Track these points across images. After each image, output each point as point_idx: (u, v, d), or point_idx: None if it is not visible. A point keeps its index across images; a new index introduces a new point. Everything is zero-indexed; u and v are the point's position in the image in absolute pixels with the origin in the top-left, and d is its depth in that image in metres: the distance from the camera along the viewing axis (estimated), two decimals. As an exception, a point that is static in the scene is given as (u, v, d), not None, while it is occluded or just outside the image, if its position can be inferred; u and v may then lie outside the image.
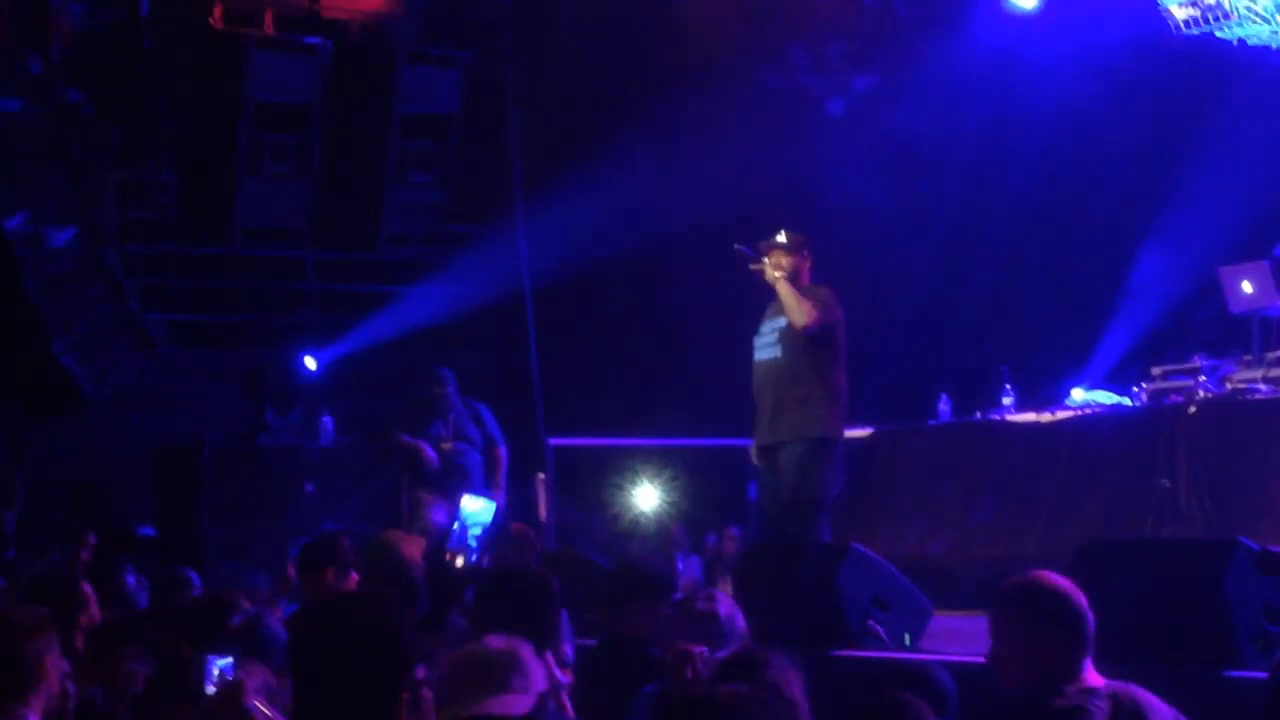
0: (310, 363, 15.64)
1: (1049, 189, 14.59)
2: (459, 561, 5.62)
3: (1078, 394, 11.31)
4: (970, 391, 12.41)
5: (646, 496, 15.97)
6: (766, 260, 9.94)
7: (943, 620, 8.93)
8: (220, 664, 4.53)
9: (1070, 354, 13.40)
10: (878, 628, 8.08)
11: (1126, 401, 10.82)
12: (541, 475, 13.83)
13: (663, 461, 15.85)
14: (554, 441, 13.75)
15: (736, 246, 10.18)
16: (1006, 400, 11.56)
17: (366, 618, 3.85)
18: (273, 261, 16.61)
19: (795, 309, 9.72)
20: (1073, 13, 14.26)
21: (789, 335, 9.85)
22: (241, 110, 15.68)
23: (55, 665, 5.09)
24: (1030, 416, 11.21)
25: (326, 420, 14.42)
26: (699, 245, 15.50)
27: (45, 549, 12.32)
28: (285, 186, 16.14)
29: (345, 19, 15.69)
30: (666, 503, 15.87)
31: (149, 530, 14.06)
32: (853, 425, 11.71)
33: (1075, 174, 14.43)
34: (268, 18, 15.47)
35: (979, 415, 11.89)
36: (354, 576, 7.40)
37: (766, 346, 10.11)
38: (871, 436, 12.21)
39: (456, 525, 6.32)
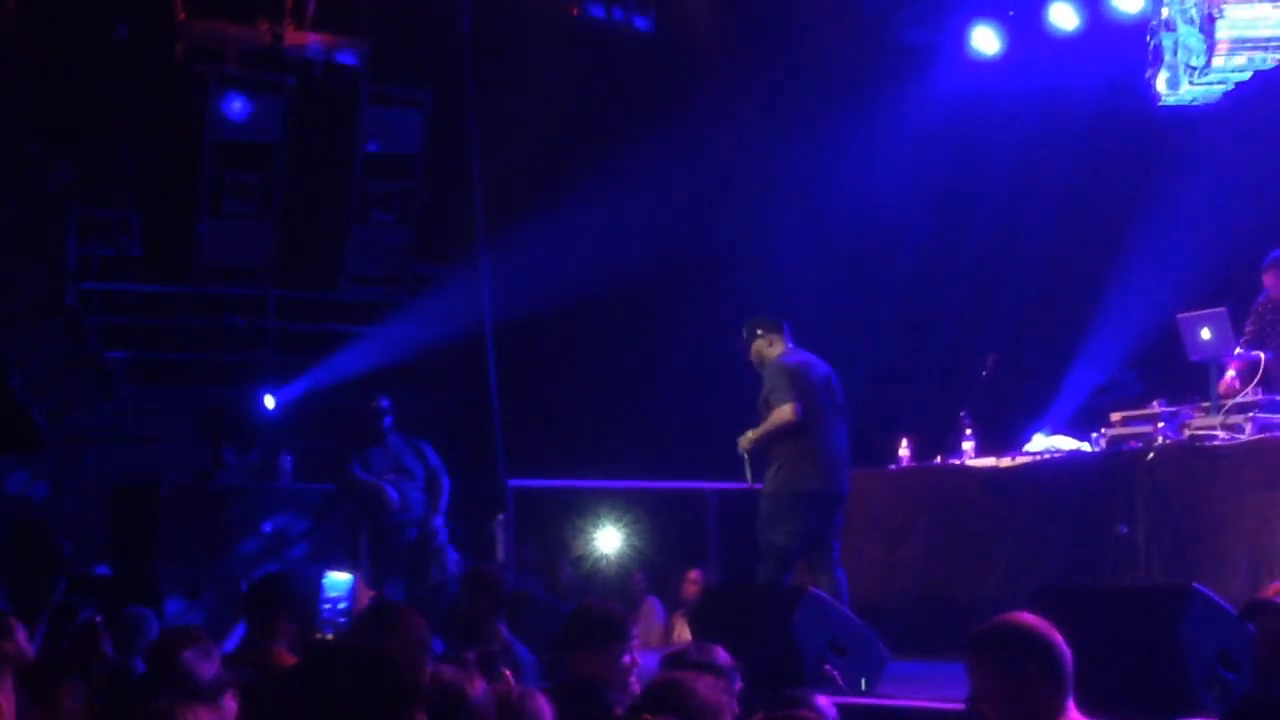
0: (269, 402, 15.56)
1: (1011, 236, 14.62)
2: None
3: (1039, 439, 11.30)
4: (931, 437, 12.40)
5: (608, 539, 15.91)
6: (740, 441, 10.57)
7: (901, 666, 8.92)
8: None
9: (1033, 400, 13.40)
10: (834, 672, 8.07)
11: (1086, 447, 10.81)
12: (501, 516, 13.77)
13: (625, 504, 15.80)
14: (514, 483, 13.68)
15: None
16: (967, 445, 11.55)
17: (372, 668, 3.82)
18: (233, 300, 16.56)
19: (775, 430, 10.29)
20: (1036, 59, 14.31)
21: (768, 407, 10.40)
22: (203, 147, 15.63)
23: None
24: (990, 461, 11.19)
25: (285, 460, 14.34)
26: (662, 286, 15.53)
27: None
28: (247, 225, 16.09)
29: (307, 58, 15.63)
30: (628, 545, 15.82)
31: (104, 569, 13.95)
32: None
33: (1038, 220, 14.44)
34: (230, 55, 15.43)
35: (939, 460, 11.87)
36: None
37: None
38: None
39: (325, 604, 6.27)
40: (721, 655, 6.10)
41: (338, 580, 5.89)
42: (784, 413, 10.24)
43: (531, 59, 15.82)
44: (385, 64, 16.01)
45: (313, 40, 15.61)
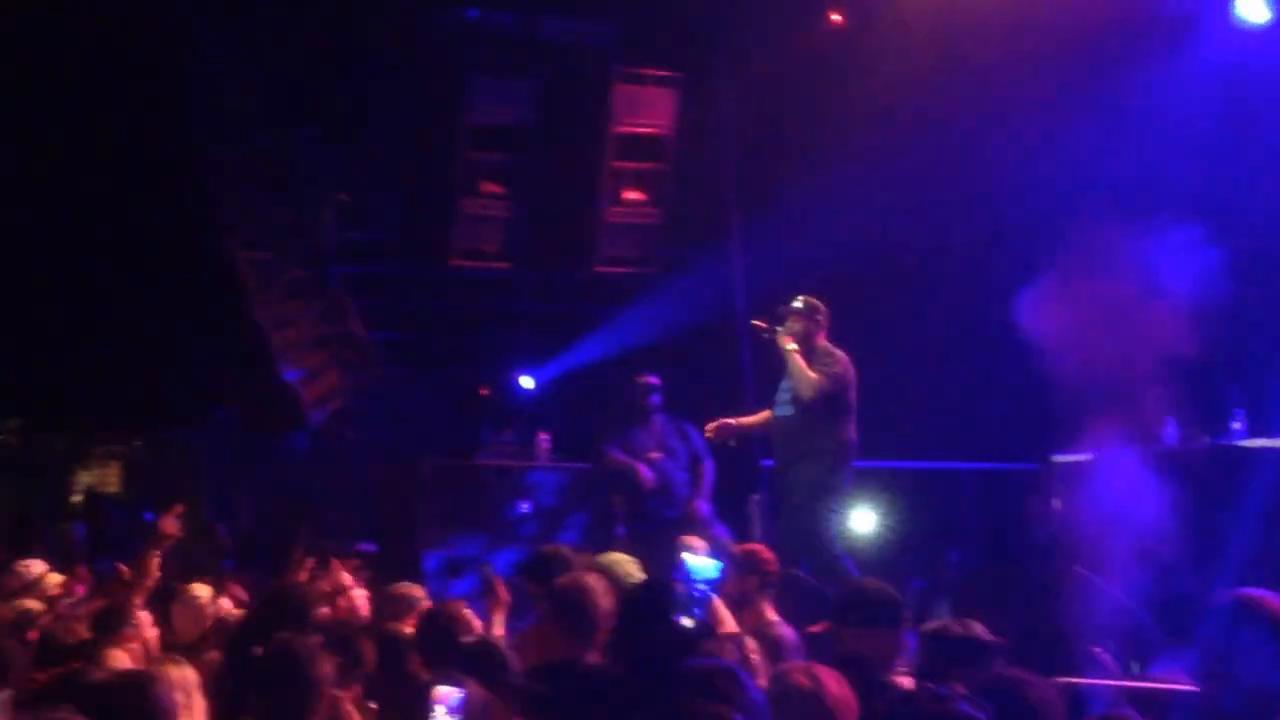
0: (526, 382, 15.74)
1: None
2: (688, 623, 5.50)
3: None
4: (1192, 416, 12.06)
5: (863, 519, 15.76)
6: (780, 330, 11.06)
7: (1172, 650, 8.68)
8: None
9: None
10: (1104, 655, 7.88)
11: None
12: (755, 496, 13.75)
13: (880, 484, 15.62)
14: (767, 463, 13.63)
15: (753, 322, 11.48)
16: (1236, 425, 11.21)
17: None
18: (488, 282, 16.73)
19: (802, 381, 10.90)
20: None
21: (799, 397, 10.98)
22: (458, 132, 15.81)
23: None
24: (1262, 442, 10.84)
25: (542, 439, 14.49)
26: (919, 266, 15.30)
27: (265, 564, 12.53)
28: (501, 207, 16.22)
29: (559, 41, 15.74)
30: (884, 526, 15.65)
31: (370, 546, 14.24)
32: (1070, 451, 11.54)
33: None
34: (485, 40, 15.58)
35: (1207, 440, 11.53)
36: None
37: (784, 404, 11.19)
38: (1093, 460, 11.91)
39: (680, 583, 6.23)
40: (979, 632, 6.03)
41: (702, 564, 5.87)
42: (827, 385, 10.96)
43: (784, 33, 15.66)
44: (637, 43, 16.02)
45: (565, 22, 15.70)
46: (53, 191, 15.94)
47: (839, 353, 11.10)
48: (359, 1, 15.32)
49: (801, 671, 5.01)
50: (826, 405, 10.95)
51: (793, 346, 10.97)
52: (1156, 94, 14.22)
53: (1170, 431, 11.84)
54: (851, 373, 11.09)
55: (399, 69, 15.72)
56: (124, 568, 7.69)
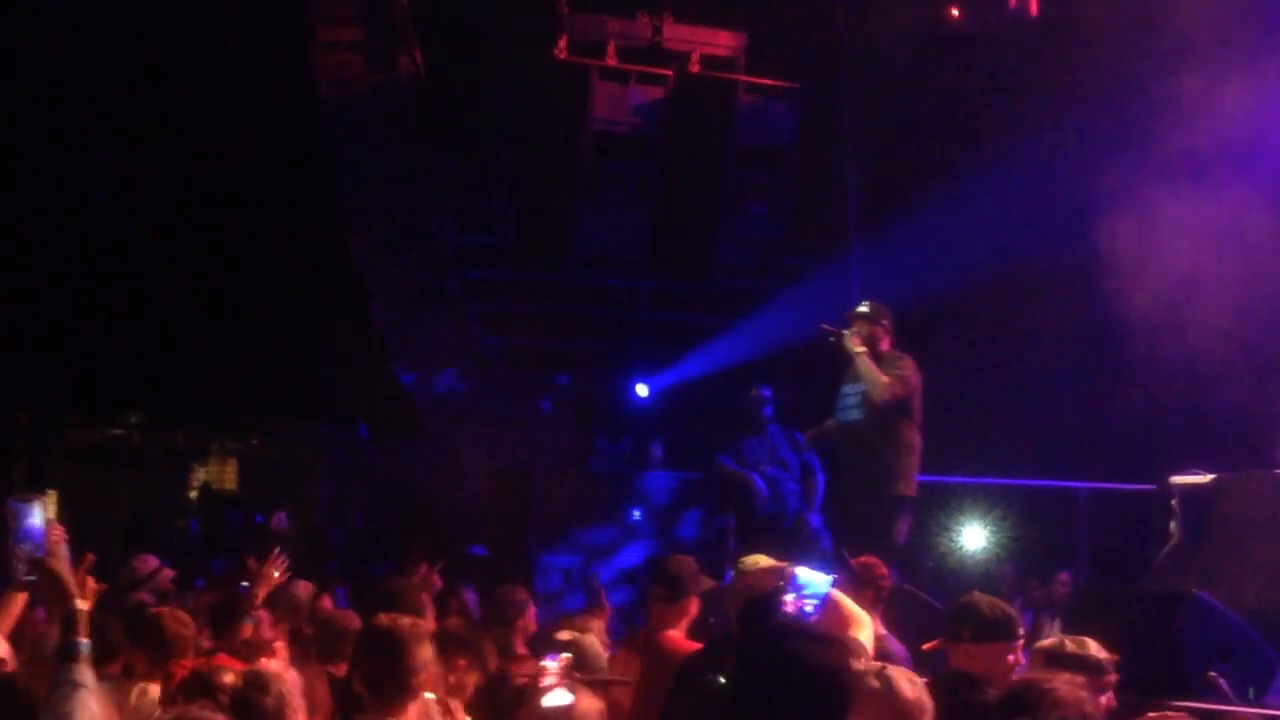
0: (642, 390, 15.79)
1: None
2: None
3: None
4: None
5: (973, 536, 15.67)
6: (847, 333, 10.99)
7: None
8: None
9: None
10: (1220, 680, 7.81)
11: None
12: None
13: (990, 501, 15.53)
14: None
15: (823, 326, 11.35)
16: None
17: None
18: (607, 289, 16.80)
19: (874, 383, 10.83)
20: None
21: (869, 400, 10.94)
22: (582, 139, 15.89)
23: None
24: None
25: (656, 447, 14.54)
26: (1039, 280, 15.17)
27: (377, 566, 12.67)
28: (622, 215, 16.28)
29: (686, 50, 15.79)
30: (993, 543, 15.55)
31: (481, 550, 14.36)
32: (1191, 471, 11.40)
33: None
34: (610, 49, 15.67)
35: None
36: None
37: (850, 409, 11.17)
38: (1214, 483, 11.77)
39: (791, 595, 6.24)
40: (1093, 649, 5.98)
41: (813, 578, 5.88)
42: (899, 388, 10.90)
43: (903, 46, 15.63)
44: (760, 55, 16.04)
45: (691, 33, 15.75)
46: (181, 192, 16.22)
47: (907, 357, 11.10)
48: (485, 11, 15.45)
49: (874, 674, 4.99)
50: (897, 409, 10.93)
51: (861, 349, 10.96)
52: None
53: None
54: (918, 378, 11.07)
55: (525, 76, 15.83)
56: (253, 562, 7.79)
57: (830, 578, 5.97)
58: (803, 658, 4.04)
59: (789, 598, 5.77)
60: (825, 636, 4.51)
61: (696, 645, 7.01)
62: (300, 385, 18.32)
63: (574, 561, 13.76)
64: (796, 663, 4.03)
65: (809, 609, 5.77)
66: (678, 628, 7.30)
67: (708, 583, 7.71)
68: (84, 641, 4.38)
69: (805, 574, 5.90)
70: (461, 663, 6.58)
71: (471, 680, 6.62)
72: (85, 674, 4.34)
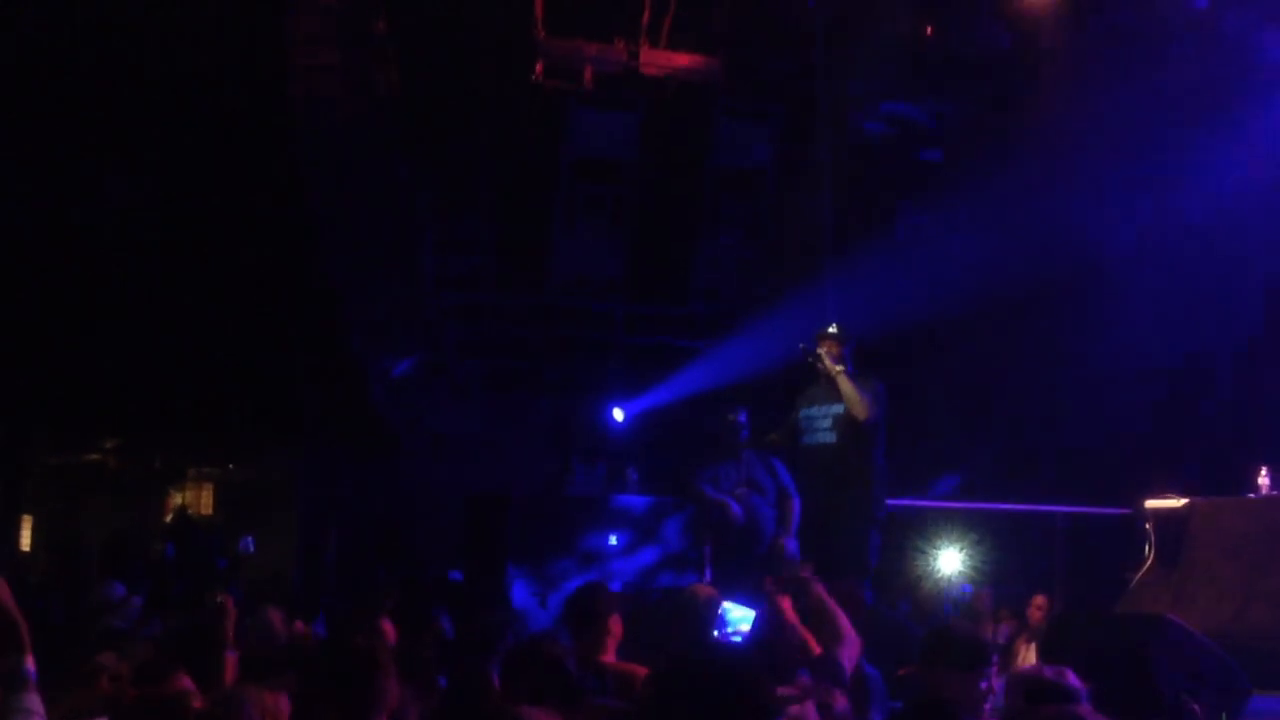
0: (618, 414, 15.77)
1: None
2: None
3: None
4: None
5: (949, 560, 15.69)
6: (822, 353, 11.19)
7: (1263, 700, 8.59)
8: None
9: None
10: (1193, 704, 7.81)
11: None
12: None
13: (966, 525, 15.56)
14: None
15: (801, 346, 11.46)
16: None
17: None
18: (583, 313, 16.80)
19: (856, 403, 10.97)
20: None
21: (844, 422, 11.08)
22: (559, 164, 15.90)
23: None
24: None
25: (631, 472, 14.52)
26: (1015, 305, 15.22)
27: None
28: (598, 240, 16.29)
29: (662, 76, 15.81)
30: (969, 568, 15.57)
31: (456, 574, 14.32)
32: (1165, 495, 11.48)
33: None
34: (587, 74, 15.68)
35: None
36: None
37: (820, 431, 11.33)
38: (1187, 507, 11.82)
39: (716, 631, 6.26)
40: (1071, 679, 5.99)
41: (738, 614, 5.89)
42: (879, 407, 11.12)
43: (879, 68, 15.68)
44: (736, 77, 16.07)
45: (668, 58, 15.77)
46: (156, 219, 16.19)
47: (876, 381, 11.29)
48: (462, 35, 15.45)
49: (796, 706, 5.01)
50: (872, 430, 11.08)
51: (840, 368, 11.11)
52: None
53: (1265, 480, 11.72)
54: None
55: (501, 101, 15.84)
56: (228, 600, 7.70)
57: (752, 614, 5.99)
58: (721, 670, 4.02)
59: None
60: (746, 657, 4.52)
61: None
62: (277, 410, 18.27)
63: (548, 585, 13.72)
64: (715, 672, 4.01)
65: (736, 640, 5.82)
66: (606, 651, 7.27)
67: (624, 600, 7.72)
68: (31, 669, 4.33)
69: (733, 611, 5.94)
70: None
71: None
72: (35, 701, 4.30)
